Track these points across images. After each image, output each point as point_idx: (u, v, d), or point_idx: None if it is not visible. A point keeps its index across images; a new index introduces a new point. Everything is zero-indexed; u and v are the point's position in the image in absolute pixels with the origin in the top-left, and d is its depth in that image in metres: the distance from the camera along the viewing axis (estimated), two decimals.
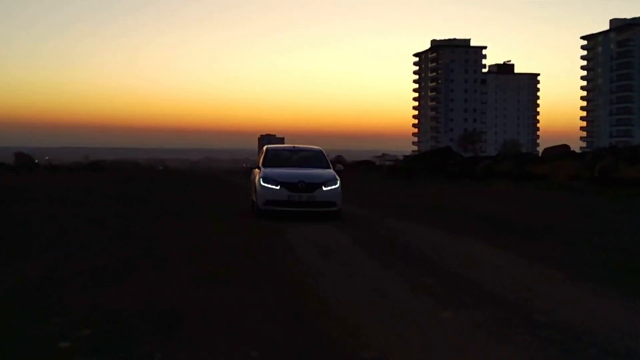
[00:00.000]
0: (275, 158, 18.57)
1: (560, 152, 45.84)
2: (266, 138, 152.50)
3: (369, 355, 5.14)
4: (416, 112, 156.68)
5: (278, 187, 16.34)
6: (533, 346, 5.32)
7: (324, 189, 16.60)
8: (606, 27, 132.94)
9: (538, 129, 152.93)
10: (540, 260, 9.95)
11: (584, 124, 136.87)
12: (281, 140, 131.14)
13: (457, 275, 9.02)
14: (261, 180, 16.72)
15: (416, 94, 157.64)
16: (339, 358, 5.09)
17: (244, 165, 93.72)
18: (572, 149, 50.74)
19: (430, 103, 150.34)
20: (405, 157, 76.98)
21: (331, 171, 17.57)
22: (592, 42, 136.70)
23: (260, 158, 18.87)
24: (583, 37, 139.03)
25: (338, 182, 16.88)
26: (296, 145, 20.30)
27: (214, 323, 5.93)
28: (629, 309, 6.85)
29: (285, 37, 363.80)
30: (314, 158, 18.85)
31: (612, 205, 21.27)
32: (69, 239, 11.47)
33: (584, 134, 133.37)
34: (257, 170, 17.86)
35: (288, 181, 16.46)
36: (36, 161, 76.99)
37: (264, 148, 19.54)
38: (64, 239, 11.47)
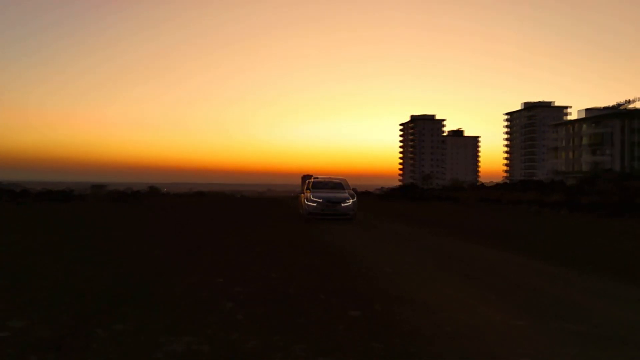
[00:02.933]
0: (317, 185, 18.43)
1: (471, 185, 56.86)
2: (306, 176, 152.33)
3: (331, 240, 10.25)
4: (401, 161, 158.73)
5: (317, 203, 16.56)
6: (399, 241, 10.41)
7: (343, 205, 16.66)
8: (519, 107, 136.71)
9: (479, 171, 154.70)
10: (424, 228, 14.27)
11: (506, 168, 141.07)
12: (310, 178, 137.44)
13: (388, 229, 13.36)
14: (307, 199, 16.86)
15: (401, 149, 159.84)
16: (321, 245, 9.42)
17: (292, 194, 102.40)
18: (483, 183, 61.71)
19: (409, 155, 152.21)
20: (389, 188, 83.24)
21: (349, 193, 17.58)
22: (511, 116, 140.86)
23: (308, 184, 18.67)
24: (506, 113, 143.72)
25: (352, 200, 16.94)
26: (329, 177, 20.00)
27: (278, 236, 11.56)
28: (436, 235, 12.11)
29: (310, 112, 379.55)
30: (339, 185, 18.63)
31: (481, 211, 24.20)
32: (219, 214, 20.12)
33: (506, 174, 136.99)
34: (303, 193, 18.12)
35: (323, 199, 16.63)
36: (163, 190, 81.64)
37: (311, 179, 19.19)
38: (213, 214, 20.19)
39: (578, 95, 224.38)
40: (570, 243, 11.08)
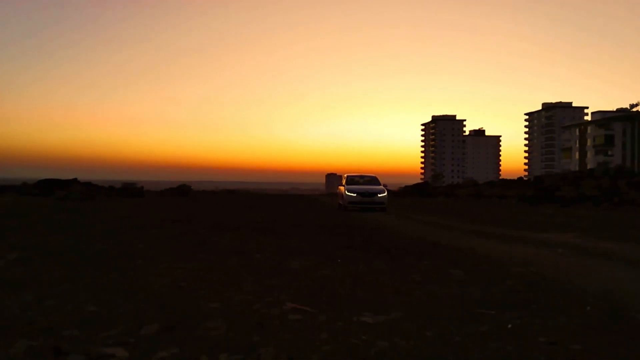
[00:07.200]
0: (352, 180, 20.30)
1: (470, 183, 65.58)
2: (331, 175, 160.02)
3: (364, 218, 16.08)
4: (422, 160, 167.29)
5: (355, 195, 18.76)
6: (388, 214, 19.71)
7: (379, 196, 18.76)
8: (539, 107, 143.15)
9: (500, 169, 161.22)
10: (410, 210, 19.99)
11: (525, 167, 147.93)
12: (340, 177, 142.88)
13: (398, 212, 18.45)
14: (347, 191, 19.00)
15: (422, 148, 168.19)
16: (357, 223, 12.94)
17: (316, 193, 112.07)
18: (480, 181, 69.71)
19: (430, 155, 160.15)
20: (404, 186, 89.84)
21: (382, 187, 19.46)
22: (531, 116, 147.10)
23: (343, 180, 20.62)
24: (526, 114, 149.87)
25: (385, 193, 19.06)
26: (362, 173, 21.33)
27: (319, 218, 27.01)
28: (417, 213, 20.56)
29: (333, 111, 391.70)
30: (372, 180, 20.47)
31: (474, 205, 28.36)
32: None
33: (525, 173, 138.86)
34: (341, 187, 20.19)
35: (361, 192, 18.79)
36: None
37: (346, 175, 20.85)
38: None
39: (600, 94, 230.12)
40: (479, 213, 20.59)
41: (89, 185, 43.75)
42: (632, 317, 3.18)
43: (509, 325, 2.86)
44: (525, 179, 48.50)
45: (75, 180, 42.81)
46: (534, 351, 2.52)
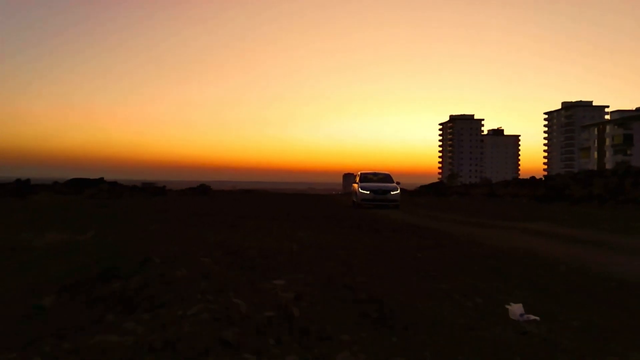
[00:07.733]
0: (366, 178, 20.77)
1: (485, 183, 67.81)
2: (348, 175, 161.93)
3: (373, 212, 18.91)
4: (440, 160, 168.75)
5: (369, 192, 19.23)
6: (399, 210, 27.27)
7: (392, 193, 19.25)
8: (559, 106, 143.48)
9: (519, 169, 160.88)
10: (422, 208, 23.10)
11: (545, 167, 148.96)
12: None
13: (406, 208, 21.87)
14: (360, 189, 19.56)
15: (440, 148, 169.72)
16: (364, 217, 17.69)
17: (333, 192, 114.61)
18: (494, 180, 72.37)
19: (448, 154, 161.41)
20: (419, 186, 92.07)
21: (395, 184, 20.05)
22: (551, 115, 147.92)
23: (357, 178, 21.19)
24: (545, 113, 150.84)
25: (399, 190, 19.75)
26: (375, 171, 21.71)
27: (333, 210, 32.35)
28: (423, 209, 25.66)
29: (349, 111, 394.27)
30: (385, 178, 20.89)
31: (484, 203, 30.68)
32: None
33: (545, 173, 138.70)
34: (355, 184, 20.89)
35: (374, 189, 19.25)
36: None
37: (359, 173, 21.32)
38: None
39: (621, 93, 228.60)
40: (482, 209, 23.66)
41: (114, 184, 46.67)
42: (501, 257, 5.41)
43: (419, 255, 5.13)
44: (538, 178, 50.18)
45: (102, 179, 45.72)
46: (426, 265, 4.78)
